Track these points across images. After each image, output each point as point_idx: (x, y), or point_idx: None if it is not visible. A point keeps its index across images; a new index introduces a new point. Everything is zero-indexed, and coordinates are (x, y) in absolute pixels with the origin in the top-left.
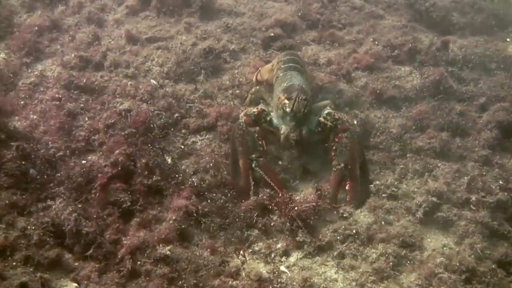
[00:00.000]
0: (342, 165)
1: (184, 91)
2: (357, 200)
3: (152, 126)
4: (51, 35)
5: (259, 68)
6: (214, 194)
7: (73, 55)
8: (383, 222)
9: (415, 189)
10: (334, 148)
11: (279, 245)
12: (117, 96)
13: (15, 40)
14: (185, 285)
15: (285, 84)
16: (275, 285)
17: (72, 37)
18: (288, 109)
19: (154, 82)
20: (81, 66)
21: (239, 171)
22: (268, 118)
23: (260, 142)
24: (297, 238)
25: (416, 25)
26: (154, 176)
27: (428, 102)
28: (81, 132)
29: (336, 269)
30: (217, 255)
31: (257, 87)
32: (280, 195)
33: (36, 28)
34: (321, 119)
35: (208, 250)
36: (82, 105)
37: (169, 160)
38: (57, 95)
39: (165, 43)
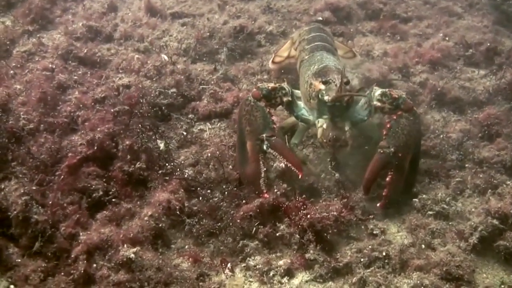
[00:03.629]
0: (392, 149)
1: (200, 71)
2: (394, 199)
3: (150, 105)
4: (66, 3)
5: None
6: (209, 191)
7: (80, 24)
8: (423, 246)
9: (473, 209)
10: (388, 126)
11: (281, 262)
12: (121, 71)
13: (22, 6)
14: None
15: (315, 67)
16: None
17: (86, 7)
18: (326, 97)
19: (165, 58)
20: (89, 37)
21: (247, 156)
22: (287, 100)
23: (273, 118)
24: (307, 255)
25: (500, 29)
26: (138, 163)
27: (501, 106)
28: (67, 108)
29: None
30: (199, 267)
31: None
32: (300, 177)
33: None
34: (376, 103)
35: (190, 259)
36: (76, 77)
37: (162, 146)
38: (50, 65)
39: (192, 20)
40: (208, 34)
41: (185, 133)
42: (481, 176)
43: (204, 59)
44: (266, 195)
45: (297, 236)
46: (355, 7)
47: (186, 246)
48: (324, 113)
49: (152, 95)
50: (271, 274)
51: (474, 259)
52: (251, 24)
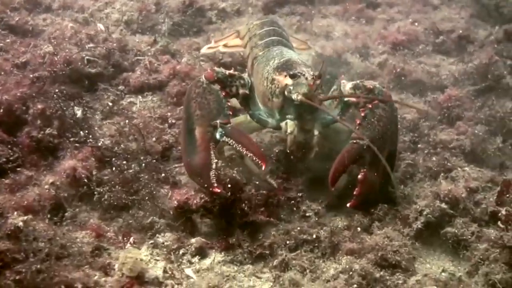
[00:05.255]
0: (366, 142)
1: (138, 42)
2: (367, 199)
3: (75, 73)
4: None
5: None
6: (125, 162)
7: None
8: (359, 229)
9: (421, 193)
10: (362, 115)
11: (193, 240)
12: (52, 40)
13: None
14: (27, 271)
15: (276, 61)
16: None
17: None
18: (295, 95)
19: (102, 27)
20: (27, 8)
21: (195, 144)
22: (243, 92)
23: (229, 104)
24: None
25: (479, 22)
26: (49, 129)
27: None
28: None
29: (272, 284)
30: (100, 242)
31: None
32: (263, 168)
33: None
34: (350, 98)
35: (92, 233)
36: (1, 45)
37: (79, 113)
38: None
39: None
40: (154, 7)
41: (111, 104)
42: (434, 159)
43: (147, 33)
44: (216, 189)
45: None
46: None
47: (91, 220)
48: (288, 114)
49: (79, 63)
50: (180, 253)
51: (417, 247)
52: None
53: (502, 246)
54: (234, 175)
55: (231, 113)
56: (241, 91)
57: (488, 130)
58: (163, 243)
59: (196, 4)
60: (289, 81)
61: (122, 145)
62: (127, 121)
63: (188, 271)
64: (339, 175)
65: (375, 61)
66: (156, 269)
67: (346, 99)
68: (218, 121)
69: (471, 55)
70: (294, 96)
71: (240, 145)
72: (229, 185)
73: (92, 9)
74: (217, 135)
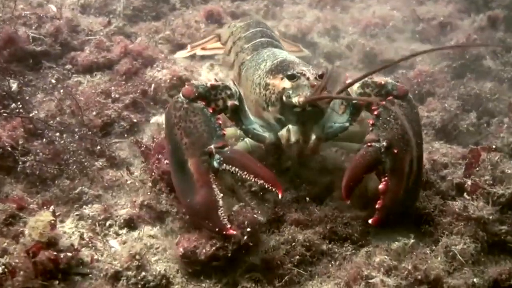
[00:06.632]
0: (384, 143)
1: (91, 22)
2: (393, 212)
3: (19, 51)
4: None
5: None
6: (58, 134)
7: None
8: (307, 199)
9: None
10: (375, 114)
11: (123, 211)
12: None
13: None
14: None
15: (268, 63)
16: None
17: None
18: (295, 98)
19: (53, 8)
20: None
21: (191, 180)
22: (233, 104)
23: (219, 122)
24: (159, 207)
25: (465, 16)
26: None
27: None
28: None
29: None
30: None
31: None
32: (280, 197)
33: None
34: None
35: (14, 205)
36: None
37: (14, 86)
38: None
39: None
40: None
41: (54, 82)
42: None
43: (104, 16)
44: (231, 230)
45: (150, 184)
46: None
47: (14, 192)
48: (288, 122)
49: (23, 40)
50: (107, 224)
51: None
52: None
53: (466, 218)
54: (253, 214)
55: (225, 132)
56: (229, 103)
57: (462, 106)
58: (89, 214)
59: None
60: (287, 83)
61: (58, 118)
62: (66, 95)
63: (113, 242)
64: (354, 185)
65: (344, 42)
66: (73, 237)
67: (355, 101)
68: (212, 146)
69: (450, 39)
70: (294, 100)
71: (245, 171)
72: (247, 229)
73: None
74: (215, 164)
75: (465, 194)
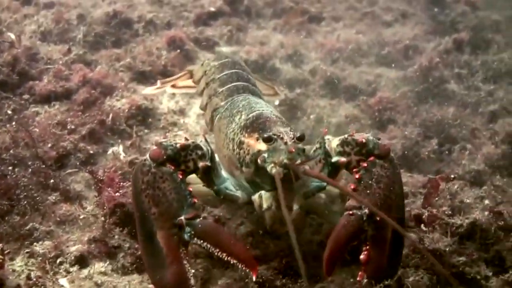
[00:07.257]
0: (366, 210)
1: (50, 50)
2: (376, 281)
3: None
4: None
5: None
6: (10, 168)
7: None
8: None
9: None
10: (356, 177)
11: (74, 248)
12: None
13: None
14: None
15: (243, 116)
16: None
17: None
18: (270, 166)
19: (12, 36)
20: None
21: (161, 254)
22: (204, 165)
23: (190, 189)
24: (111, 242)
25: (432, 38)
26: None
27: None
28: None
29: None
30: None
31: None
32: (253, 277)
33: None
34: (337, 158)
35: None
36: None
37: None
38: None
39: (64, 8)
40: (76, 20)
41: (11, 113)
42: None
43: (65, 44)
44: None
45: (102, 218)
46: (260, 1)
47: None
48: (263, 185)
49: None
50: (57, 262)
51: None
52: (129, 10)
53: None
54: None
55: (195, 200)
56: (200, 164)
57: (423, 133)
58: (39, 251)
59: (121, 15)
60: (262, 146)
61: (11, 151)
62: (20, 127)
63: (62, 281)
64: (337, 258)
65: (307, 67)
66: (22, 276)
67: (334, 159)
68: (183, 218)
69: (414, 62)
70: (269, 168)
71: (218, 249)
72: None
73: (9, 21)
74: (186, 237)
75: (422, 226)
